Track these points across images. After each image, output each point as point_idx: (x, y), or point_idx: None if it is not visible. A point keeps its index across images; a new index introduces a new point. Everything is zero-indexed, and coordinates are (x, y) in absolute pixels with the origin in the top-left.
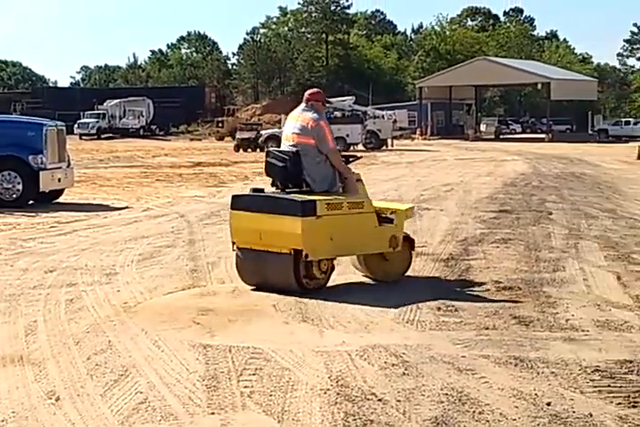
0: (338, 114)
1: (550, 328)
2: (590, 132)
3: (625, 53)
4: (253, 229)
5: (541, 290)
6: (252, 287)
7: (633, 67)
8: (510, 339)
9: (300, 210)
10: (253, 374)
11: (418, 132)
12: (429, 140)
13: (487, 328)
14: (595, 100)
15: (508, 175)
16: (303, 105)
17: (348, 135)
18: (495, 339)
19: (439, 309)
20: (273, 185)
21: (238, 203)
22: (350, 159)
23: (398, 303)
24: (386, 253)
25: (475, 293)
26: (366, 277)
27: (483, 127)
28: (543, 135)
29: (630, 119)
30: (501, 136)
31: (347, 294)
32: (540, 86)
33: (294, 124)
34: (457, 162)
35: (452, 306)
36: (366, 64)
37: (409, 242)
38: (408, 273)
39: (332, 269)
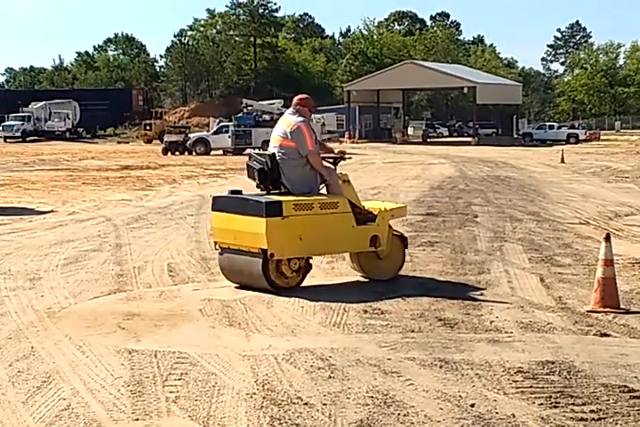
0: (266, 117)
1: (475, 330)
2: (515, 135)
3: (549, 58)
4: (229, 229)
5: (467, 292)
6: (178, 292)
7: (556, 71)
8: (435, 341)
9: (263, 211)
10: (179, 379)
11: (346, 136)
12: (357, 143)
13: (413, 331)
14: (520, 104)
15: (435, 178)
16: (290, 109)
17: None
18: (421, 341)
19: (366, 312)
20: (258, 187)
21: (217, 204)
22: (337, 160)
23: (325, 306)
24: (379, 252)
25: (401, 295)
26: (363, 277)
27: (410, 131)
28: (469, 139)
29: (554, 123)
30: (429, 139)
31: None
32: (466, 90)
33: (280, 128)
34: (385, 165)
35: (379, 309)
36: (295, 67)
37: (401, 240)
38: (333, 276)
39: (308, 268)
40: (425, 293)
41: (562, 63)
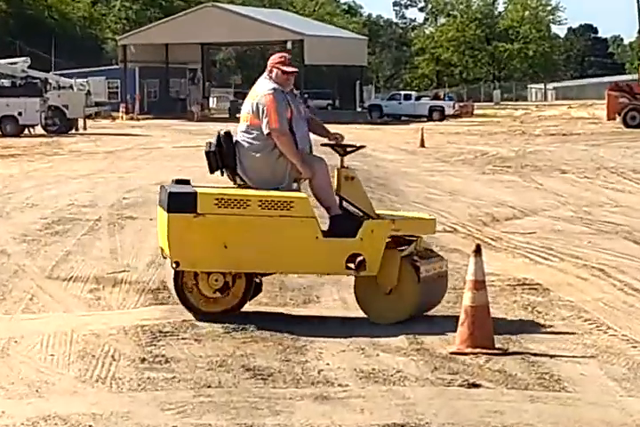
0: (6, 82)
1: (297, 383)
2: (359, 109)
3: (403, 2)
4: (159, 228)
5: (287, 330)
6: None
7: (414, 21)
8: (241, 400)
9: (166, 204)
10: None
11: (122, 109)
12: (138, 119)
13: (210, 386)
14: (365, 65)
15: None
16: (264, 74)
17: (20, 113)
18: (220, 401)
19: (143, 360)
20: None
21: (159, 197)
22: (348, 149)
23: (85, 353)
24: (383, 282)
25: (195, 336)
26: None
27: (213, 102)
28: None
29: (411, 92)
30: (239, 115)
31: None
32: (289, 45)
33: (247, 102)
34: (176, 151)
35: (162, 355)
36: (47, 12)
37: (414, 267)
38: (99, 308)
39: (244, 289)
40: (228, 331)
41: (421, 9)
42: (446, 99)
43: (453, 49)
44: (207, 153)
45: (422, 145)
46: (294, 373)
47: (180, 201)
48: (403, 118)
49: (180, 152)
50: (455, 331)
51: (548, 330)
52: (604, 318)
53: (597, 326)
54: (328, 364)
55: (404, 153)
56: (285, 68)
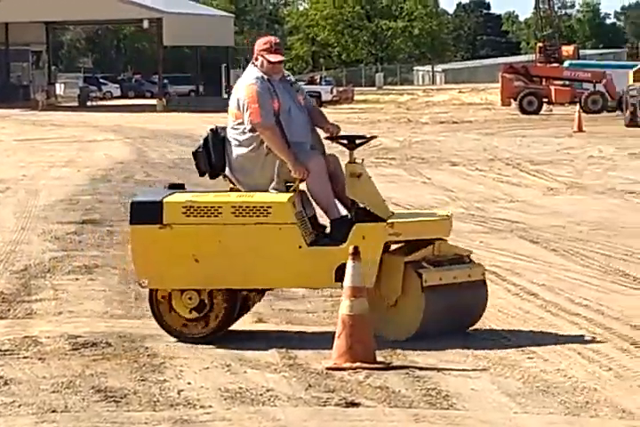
0: None
1: (154, 406)
2: (226, 95)
3: None
4: None
5: (143, 345)
6: None
7: None
8: (90, 425)
9: (128, 214)
10: None
11: None
12: None
13: (55, 410)
14: (231, 46)
15: (98, 165)
16: (252, 60)
17: None
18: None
19: None
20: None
21: None
22: (357, 141)
23: None
24: (387, 293)
25: (38, 354)
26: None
27: (60, 89)
28: (154, 101)
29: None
30: (90, 103)
31: None
32: (146, 25)
33: (233, 95)
34: (17, 145)
35: (1, 377)
36: None
37: (417, 275)
38: None
39: (228, 307)
40: (75, 348)
41: None
42: (323, 83)
43: (330, 28)
44: (195, 153)
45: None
46: (151, 394)
47: (144, 211)
48: None
49: (21, 146)
50: (332, 344)
51: (436, 341)
52: (496, 326)
53: (490, 336)
54: (189, 383)
55: None
56: (270, 58)
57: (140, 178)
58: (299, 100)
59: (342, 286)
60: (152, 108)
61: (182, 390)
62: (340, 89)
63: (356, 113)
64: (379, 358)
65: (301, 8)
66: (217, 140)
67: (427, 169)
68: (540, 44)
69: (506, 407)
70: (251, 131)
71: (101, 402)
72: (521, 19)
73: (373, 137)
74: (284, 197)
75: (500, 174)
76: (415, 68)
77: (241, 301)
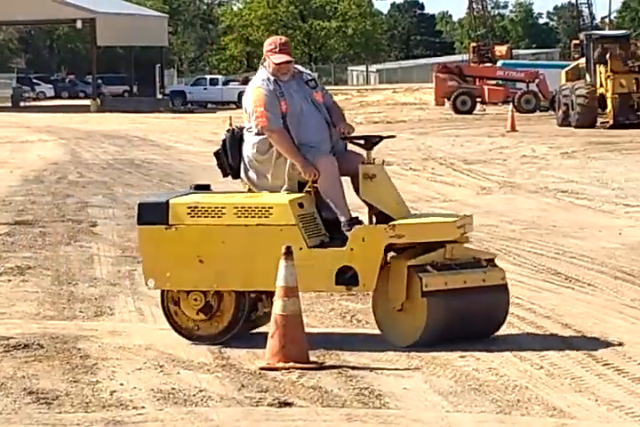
0: None
1: (86, 407)
2: (160, 95)
3: None
4: None
5: (75, 347)
6: None
7: None
8: None
9: (136, 215)
10: None
11: None
12: None
13: None
14: (165, 46)
15: (31, 166)
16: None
17: None
18: None
19: None
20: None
21: None
22: (374, 141)
23: None
24: (393, 297)
25: None
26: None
27: None
28: (88, 101)
29: (218, 76)
30: (23, 103)
31: None
32: (79, 25)
33: None
34: None
35: None
36: None
37: (419, 279)
38: None
39: (238, 307)
40: (7, 350)
41: None
42: None
43: (265, 28)
44: (216, 154)
45: None
46: (83, 395)
47: (151, 212)
48: (209, 106)
49: None
50: (265, 344)
51: (369, 341)
52: None
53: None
54: (122, 384)
55: (211, 145)
56: (274, 59)
57: (74, 179)
58: (315, 98)
59: (346, 290)
60: (86, 109)
61: (115, 392)
62: None
63: None
64: (312, 358)
65: (235, 8)
66: (234, 141)
67: None
68: (474, 44)
69: (438, 406)
70: (260, 133)
71: (33, 404)
72: (454, 19)
73: (391, 136)
74: (286, 198)
75: (433, 174)
76: (349, 68)
77: (251, 302)
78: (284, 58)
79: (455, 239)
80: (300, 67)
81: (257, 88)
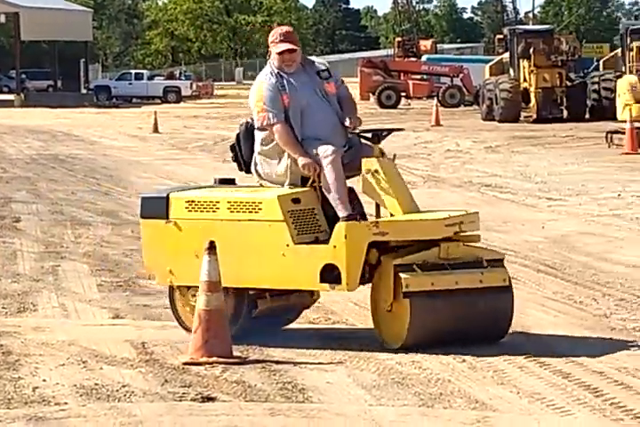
0: None
1: (8, 403)
2: (85, 90)
3: None
4: None
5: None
6: None
7: None
8: None
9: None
10: None
11: None
12: None
13: None
14: (90, 40)
15: None
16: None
17: None
18: None
19: None
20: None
21: None
22: (383, 133)
23: None
24: (382, 299)
25: None
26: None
27: None
28: (12, 96)
29: (143, 71)
30: None
31: None
32: (3, 19)
33: None
34: None
35: None
36: None
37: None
38: None
39: (237, 304)
40: None
41: None
42: (183, 78)
43: (190, 22)
44: (231, 147)
45: (156, 130)
46: (5, 391)
47: (152, 206)
48: (134, 100)
49: None
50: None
51: (293, 335)
52: (353, 319)
53: (349, 330)
54: (45, 380)
55: (136, 140)
56: (275, 49)
57: None
58: (327, 89)
59: (330, 288)
60: (10, 104)
61: (37, 388)
62: (200, 84)
63: (216, 108)
64: (235, 353)
65: (160, 2)
66: (247, 135)
67: None
68: (399, 39)
69: (361, 400)
70: (264, 129)
71: None
72: (380, 13)
73: (399, 129)
74: (276, 193)
75: None
76: None
77: (250, 300)
78: (286, 46)
79: (451, 238)
80: (313, 57)
81: (259, 82)
